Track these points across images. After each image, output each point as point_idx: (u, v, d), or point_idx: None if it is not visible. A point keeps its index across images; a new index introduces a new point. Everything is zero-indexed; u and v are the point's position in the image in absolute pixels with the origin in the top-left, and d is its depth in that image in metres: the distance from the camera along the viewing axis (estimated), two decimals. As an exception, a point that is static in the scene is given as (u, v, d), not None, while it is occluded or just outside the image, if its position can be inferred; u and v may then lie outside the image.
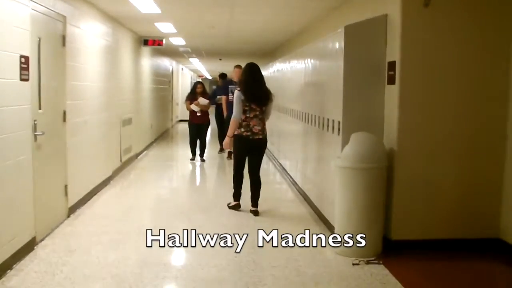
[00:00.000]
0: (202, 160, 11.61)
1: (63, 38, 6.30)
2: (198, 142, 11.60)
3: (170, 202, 7.78)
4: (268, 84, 7.05)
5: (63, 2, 6.24)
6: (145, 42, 12.25)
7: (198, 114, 11.20)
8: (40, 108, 5.53)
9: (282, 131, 10.26)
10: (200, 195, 8.60)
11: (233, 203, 7.15)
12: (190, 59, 20.79)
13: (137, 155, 11.85)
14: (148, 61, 13.86)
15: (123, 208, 7.23)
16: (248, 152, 6.88)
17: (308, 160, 7.55)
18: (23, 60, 4.93)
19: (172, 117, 21.41)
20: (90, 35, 7.61)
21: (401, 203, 5.32)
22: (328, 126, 6.15)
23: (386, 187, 5.24)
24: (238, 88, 6.81)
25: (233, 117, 6.76)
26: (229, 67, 14.22)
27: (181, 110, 24.13)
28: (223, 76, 13.05)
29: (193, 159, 11.55)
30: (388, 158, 5.24)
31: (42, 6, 5.56)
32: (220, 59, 20.41)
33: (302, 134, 7.95)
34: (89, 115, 7.49)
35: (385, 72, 5.46)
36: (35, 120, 5.33)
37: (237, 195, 7.12)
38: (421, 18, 5.17)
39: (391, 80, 5.35)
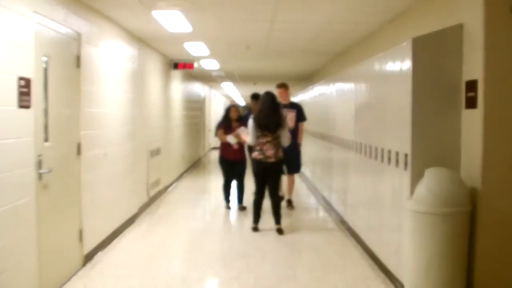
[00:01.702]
0: (242, 208, 8.91)
1: (78, 58, 5.44)
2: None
3: (203, 246, 6.77)
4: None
5: (77, 16, 5.40)
6: (175, 66, 11.40)
7: (235, 147, 8.66)
8: (46, 140, 4.65)
9: (327, 162, 9.24)
10: (237, 236, 7.57)
11: (252, 225, 7.42)
12: (222, 84, 19.98)
13: (167, 187, 10.94)
14: (179, 86, 13.03)
15: (148, 253, 6.29)
16: (264, 175, 7.24)
17: (359, 197, 6.51)
18: (22, 83, 4.07)
19: (205, 144, 20.55)
20: (112, 56, 6.77)
21: (487, 255, 4.22)
22: (389, 158, 5.11)
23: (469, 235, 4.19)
24: (252, 116, 7.33)
25: (248, 142, 7.66)
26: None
27: (214, 138, 23.45)
28: (256, 97, 9.88)
29: (228, 207, 9.09)
30: (471, 200, 4.18)
31: (51, 20, 4.72)
32: (255, 83, 19.55)
33: (352, 166, 6.92)
34: (110, 146, 6.61)
35: (461, 94, 4.43)
36: (39, 155, 4.44)
37: (256, 217, 7.41)
38: (508, 27, 4.15)
39: (471, 103, 4.30)
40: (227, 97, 31.53)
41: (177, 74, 12.55)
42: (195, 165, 16.35)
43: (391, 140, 5.12)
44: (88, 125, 5.75)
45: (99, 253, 6.08)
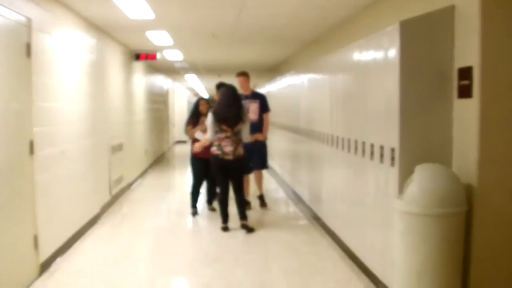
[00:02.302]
0: (212, 209, 8.20)
1: (28, 47, 4.88)
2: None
3: (170, 248, 6.30)
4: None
5: (26, 0, 4.84)
6: (137, 57, 10.84)
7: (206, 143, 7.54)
8: (-8, 140, 4.12)
9: (298, 155, 8.86)
10: (206, 237, 7.11)
11: (222, 225, 6.96)
12: (186, 76, 19.38)
13: (130, 184, 10.39)
14: (141, 79, 12.44)
15: (112, 258, 5.81)
16: (224, 172, 6.84)
17: (336, 193, 6.14)
18: (-40, 73, 3.53)
19: (169, 138, 19.96)
20: (68, 46, 6.21)
21: (483, 259, 3.88)
22: (372, 153, 4.74)
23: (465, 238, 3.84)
24: (211, 110, 6.94)
25: (207, 138, 6.96)
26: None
27: (177, 131, 22.97)
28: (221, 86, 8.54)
29: (196, 213, 7.94)
30: (467, 199, 3.83)
31: (-6, 2, 4.17)
32: (219, 75, 19.03)
33: (328, 160, 6.54)
34: (67, 143, 6.07)
35: (453, 82, 4.07)
36: (-16, 156, 3.91)
37: (224, 216, 6.98)
38: (506, 9, 3.80)
39: (465, 93, 3.93)
40: (191, 89, 30.89)
41: (139, 66, 11.97)
42: (159, 160, 15.77)
43: (375, 133, 4.74)
44: (42, 120, 5.21)
45: (58, 260, 5.56)
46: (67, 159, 6.04)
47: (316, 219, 7.24)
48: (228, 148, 6.71)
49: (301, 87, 8.49)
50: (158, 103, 16.33)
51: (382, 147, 4.48)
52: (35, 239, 5.00)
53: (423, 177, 3.80)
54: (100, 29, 7.86)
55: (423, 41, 4.12)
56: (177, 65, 14.38)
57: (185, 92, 27.83)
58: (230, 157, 6.72)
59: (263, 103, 8.28)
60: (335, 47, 7.21)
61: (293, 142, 9.18)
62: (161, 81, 17.32)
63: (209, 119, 6.83)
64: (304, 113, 8.17)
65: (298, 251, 6.09)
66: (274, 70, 15.12)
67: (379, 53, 4.59)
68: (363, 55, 5.09)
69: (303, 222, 7.48)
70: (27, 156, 4.87)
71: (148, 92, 13.64)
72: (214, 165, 6.90)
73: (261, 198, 8.48)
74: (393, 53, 4.22)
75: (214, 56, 12.46)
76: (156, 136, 15.41)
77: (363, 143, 5.00)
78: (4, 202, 4.33)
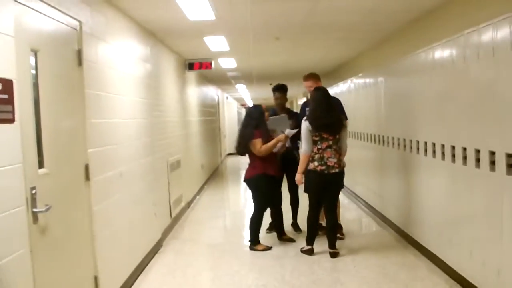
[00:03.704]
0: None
1: (79, 54, 4.13)
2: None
3: (247, 281, 5.42)
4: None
5: (75, 0, 4.11)
6: (190, 66, 10.06)
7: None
8: (41, 166, 3.35)
9: (377, 166, 7.88)
10: (286, 264, 6.15)
11: (306, 247, 6.10)
12: (237, 86, 18.64)
13: (189, 204, 9.62)
14: (194, 89, 11.70)
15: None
16: (324, 189, 5.91)
17: (430, 207, 5.20)
18: (-1, 86, 2.78)
19: (221, 151, 19.24)
20: (122, 53, 5.48)
21: None
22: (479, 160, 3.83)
23: None
24: (305, 118, 5.96)
25: (303, 152, 5.96)
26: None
27: (229, 143, 22.34)
28: (281, 89, 7.41)
29: (254, 248, 6.47)
30: None
31: (38, 1, 3.42)
32: (270, 84, 18.21)
33: (426, 173, 5.59)
34: (125, 164, 5.31)
35: None
36: (32, 188, 3.15)
37: (311, 238, 6.09)
38: None
39: None
40: (239, 100, 30.20)
41: (191, 76, 11.22)
42: (214, 175, 15.03)
43: (482, 136, 3.82)
44: (97, 140, 4.45)
45: (122, 300, 4.79)
46: (125, 182, 5.28)
47: (405, 237, 6.32)
48: (333, 160, 5.81)
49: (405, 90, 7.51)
50: (210, 115, 15.60)
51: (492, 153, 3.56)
52: (96, 280, 4.24)
53: None
54: (153, 35, 7.13)
55: None
56: (229, 74, 13.65)
57: (234, 102, 27.17)
58: (336, 170, 5.82)
59: (339, 110, 6.57)
60: (409, 46, 6.33)
61: (369, 151, 8.17)
62: (212, 92, 16.61)
63: (304, 129, 5.87)
64: (394, 120, 6.93)
65: (396, 278, 5.16)
66: (330, 75, 14.14)
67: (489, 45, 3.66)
68: (469, 49, 4.14)
69: (387, 240, 6.54)
70: (83, 183, 4.11)
71: (201, 104, 12.91)
72: (313, 183, 5.90)
73: (339, 227, 6.77)
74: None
75: (270, 62, 11.67)
76: (210, 149, 14.69)
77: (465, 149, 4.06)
78: (59, 241, 3.57)
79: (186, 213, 9.02)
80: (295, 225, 7.29)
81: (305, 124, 5.89)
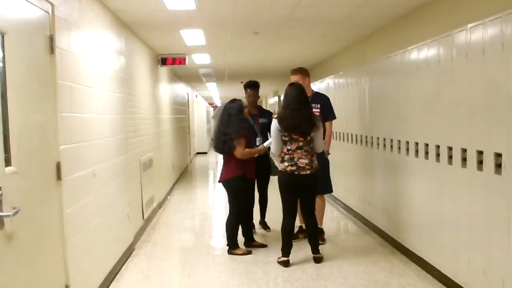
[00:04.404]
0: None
1: (51, 39, 3.73)
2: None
3: (221, 284, 5.10)
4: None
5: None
6: (163, 61, 9.66)
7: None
8: (9, 164, 2.96)
9: (368, 171, 7.61)
10: (270, 272, 5.75)
11: (282, 258, 5.63)
12: (207, 84, 18.23)
13: (160, 204, 9.21)
14: (166, 86, 11.28)
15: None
16: (295, 193, 5.55)
17: (426, 212, 4.95)
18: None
19: (191, 150, 18.81)
20: (96, 43, 5.08)
21: None
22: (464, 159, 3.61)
23: None
24: (275, 116, 5.62)
25: (272, 152, 5.80)
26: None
27: (198, 143, 21.95)
28: (253, 86, 7.10)
29: (232, 252, 6.13)
30: None
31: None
32: (242, 82, 17.87)
33: (415, 176, 5.34)
34: (98, 163, 4.91)
35: None
36: (-3, 189, 2.76)
37: (286, 250, 5.62)
38: None
39: None
40: (207, 99, 29.76)
41: (163, 72, 10.81)
42: (183, 174, 14.64)
43: (466, 135, 3.57)
44: (70, 136, 4.05)
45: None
46: (98, 182, 4.89)
47: (390, 242, 6.08)
48: (303, 160, 5.44)
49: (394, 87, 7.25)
50: (181, 113, 15.17)
51: (480, 153, 3.32)
52: (66, 289, 3.85)
53: None
54: (127, 27, 6.73)
55: None
56: (201, 71, 13.28)
57: (203, 101, 26.74)
58: (307, 171, 5.45)
59: (326, 108, 6.36)
60: (390, 45, 6.15)
61: (358, 154, 7.70)
62: (183, 89, 16.17)
63: (273, 128, 5.52)
64: (383, 120, 6.54)
65: (387, 286, 4.90)
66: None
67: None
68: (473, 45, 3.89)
69: (377, 247, 6.28)
70: (54, 183, 3.72)
71: (172, 101, 12.50)
72: (285, 184, 5.56)
73: (321, 232, 6.41)
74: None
75: (246, 59, 11.36)
76: (180, 148, 14.28)
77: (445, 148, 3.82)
78: (28, 248, 3.17)
79: (157, 214, 8.63)
80: (263, 224, 7.22)
81: (274, 123, 5.53)
